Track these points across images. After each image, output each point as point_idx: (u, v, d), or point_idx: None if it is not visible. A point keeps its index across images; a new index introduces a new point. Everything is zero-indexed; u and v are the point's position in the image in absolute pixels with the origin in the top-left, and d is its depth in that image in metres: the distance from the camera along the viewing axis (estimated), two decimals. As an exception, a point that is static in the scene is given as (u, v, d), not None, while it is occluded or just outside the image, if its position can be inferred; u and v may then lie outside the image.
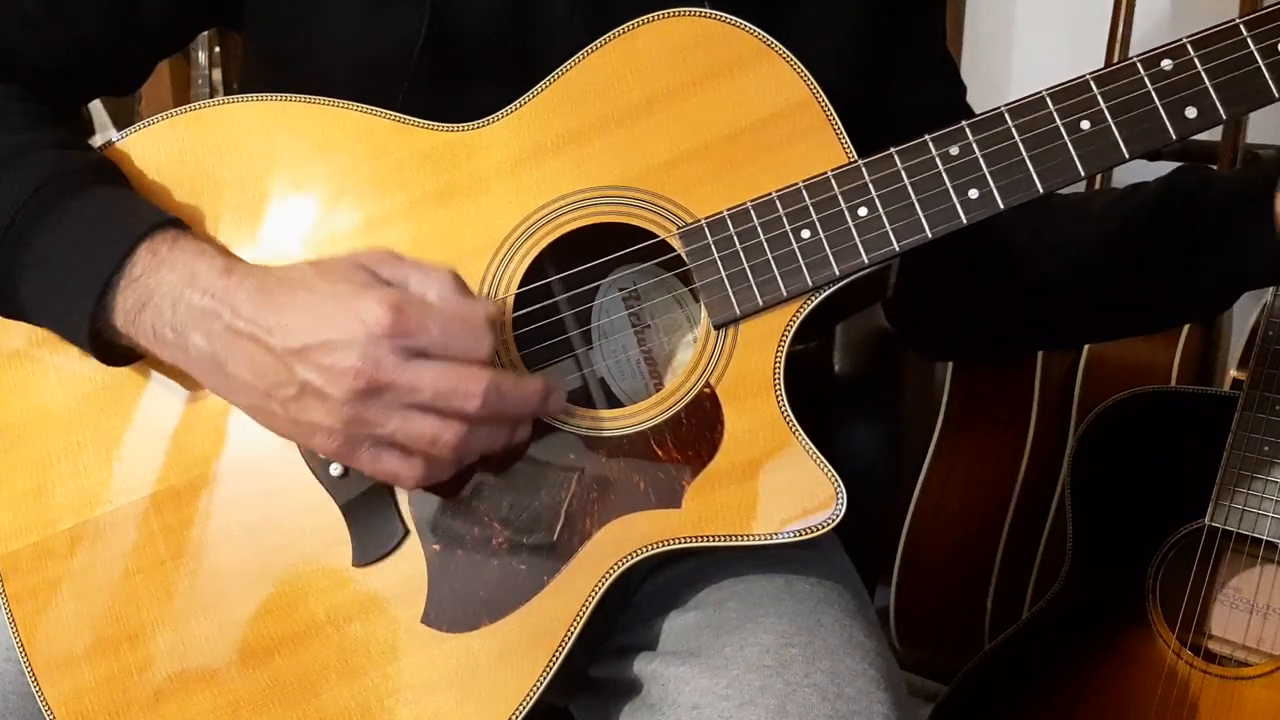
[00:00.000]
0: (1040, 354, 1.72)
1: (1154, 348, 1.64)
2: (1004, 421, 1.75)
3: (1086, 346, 1.68)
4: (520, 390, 0.78)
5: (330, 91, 0.86)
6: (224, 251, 0.80)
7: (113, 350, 0.81)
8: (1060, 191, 0.83)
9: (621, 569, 0.81)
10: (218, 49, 1.90)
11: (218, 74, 1.90)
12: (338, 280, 0.75)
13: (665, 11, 0.85)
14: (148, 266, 0.77)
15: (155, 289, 0.77)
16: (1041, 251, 0.99)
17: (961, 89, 1.06)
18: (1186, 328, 1.62)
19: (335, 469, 0.82)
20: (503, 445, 0.79)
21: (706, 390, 0.83)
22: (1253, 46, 0.78)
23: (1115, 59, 1.67)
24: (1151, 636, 1.21)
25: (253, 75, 1.00)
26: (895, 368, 1.27)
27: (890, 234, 0.82)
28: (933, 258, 0.86)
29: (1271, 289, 1.21)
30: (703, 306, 0.84)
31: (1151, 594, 1.22)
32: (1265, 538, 1.16)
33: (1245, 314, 1.54)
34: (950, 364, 1.81)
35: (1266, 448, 1.16)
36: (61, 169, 0.80)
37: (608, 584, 0.81)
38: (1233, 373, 1.60)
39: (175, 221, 0.80)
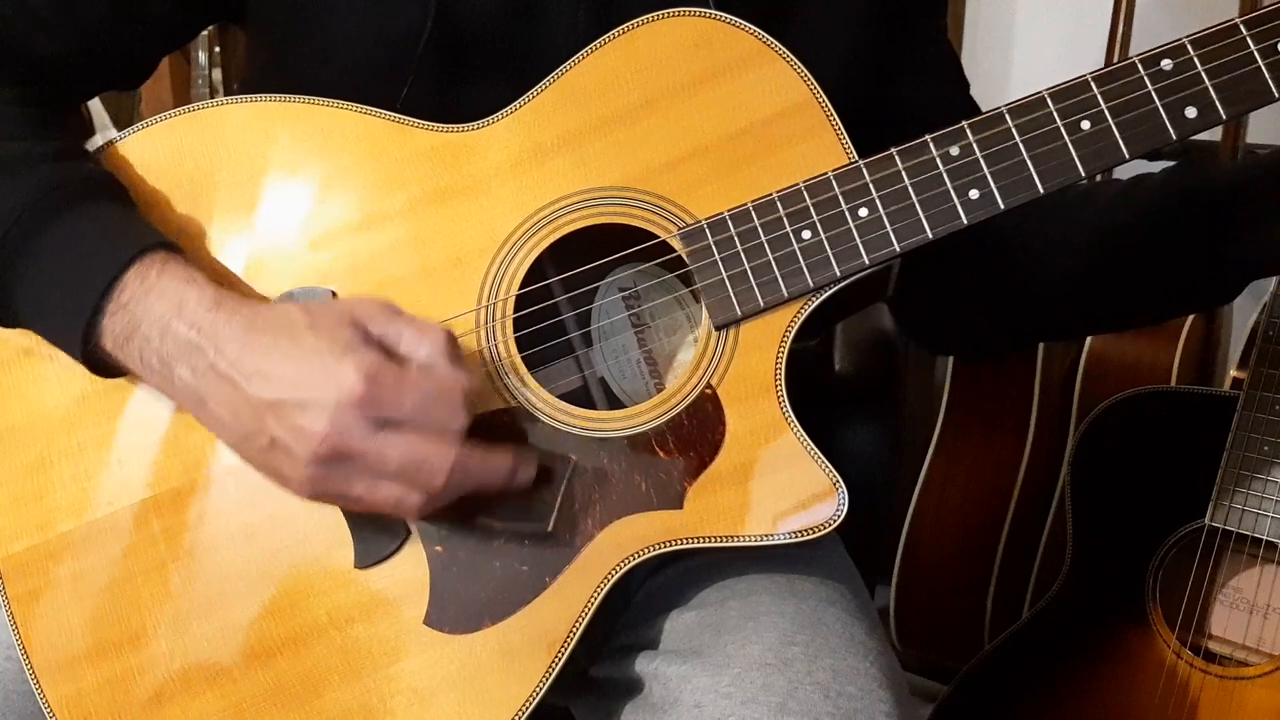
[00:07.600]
0: (1040, 354, 1.72)
1: (1154, 348, 1.64)
2: (1004, 421, 1.75)
3: (1087, 347, 1.68)
4: (487, 465, 0.78)
5: (333, 89, 0.86)
6: (214, 280, 0.79)
7: (106, 366, 0.81)
8: None
9: (623, 570, 0.81)
10: (218, 49, 1.90)
11: (218, 74, 1.90)
12: (323, 334, 0.74)
13: (666, 11, 0.85)
14: (136, 293, 0.77)
15: (143, 317, 0.77)
16: (1046, 244, 0.99)
17: (965, 85, 1.06)
18: (1187, 328, 1.62)
19: None
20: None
21: (708, 391, 0.83)
22: (1253, 46, 0.78)
23: (1115, 58, 1.67)
24: (1151, 636, 1.21)
25: (254, 73, 1.00)
26: (895, 368, 1.27)
27: (891, 234, 0.82)
28: (935, 253, 0.86)
29: (1271, 290, 1.21)
30: (703, 307, 0.84)
31: (1151, 594, 1.22)
32: (1265, 538, 1.16)
33: (1245, 314, 1.54)
34: (950, 364, 1.81)
35: (1266, 448, 1.16)
36: (56, 183, 0.80)
37: (610, 585, 0.81)
38: (1233, 373, 1.60)
39: (165, 243, 0.80)
